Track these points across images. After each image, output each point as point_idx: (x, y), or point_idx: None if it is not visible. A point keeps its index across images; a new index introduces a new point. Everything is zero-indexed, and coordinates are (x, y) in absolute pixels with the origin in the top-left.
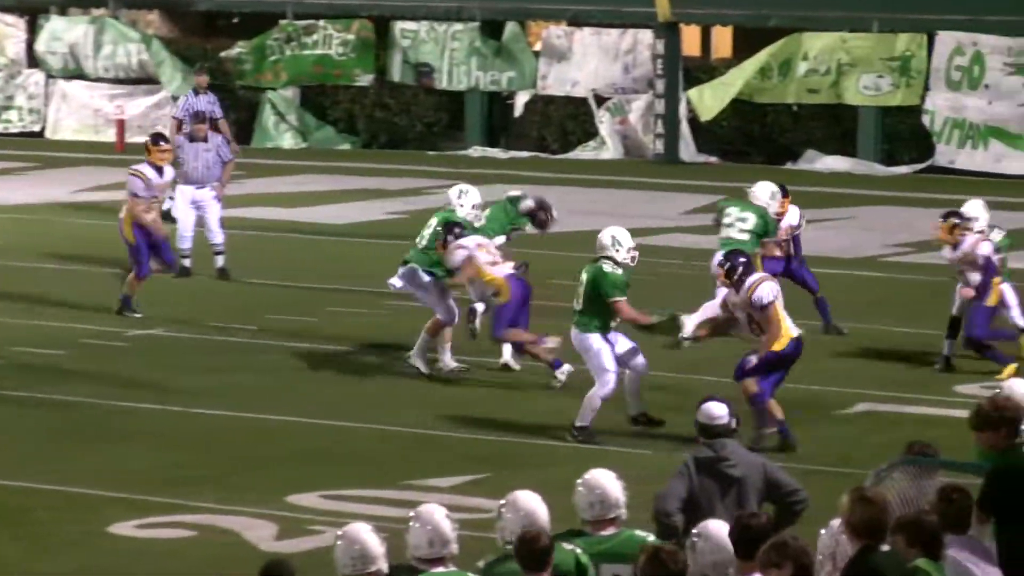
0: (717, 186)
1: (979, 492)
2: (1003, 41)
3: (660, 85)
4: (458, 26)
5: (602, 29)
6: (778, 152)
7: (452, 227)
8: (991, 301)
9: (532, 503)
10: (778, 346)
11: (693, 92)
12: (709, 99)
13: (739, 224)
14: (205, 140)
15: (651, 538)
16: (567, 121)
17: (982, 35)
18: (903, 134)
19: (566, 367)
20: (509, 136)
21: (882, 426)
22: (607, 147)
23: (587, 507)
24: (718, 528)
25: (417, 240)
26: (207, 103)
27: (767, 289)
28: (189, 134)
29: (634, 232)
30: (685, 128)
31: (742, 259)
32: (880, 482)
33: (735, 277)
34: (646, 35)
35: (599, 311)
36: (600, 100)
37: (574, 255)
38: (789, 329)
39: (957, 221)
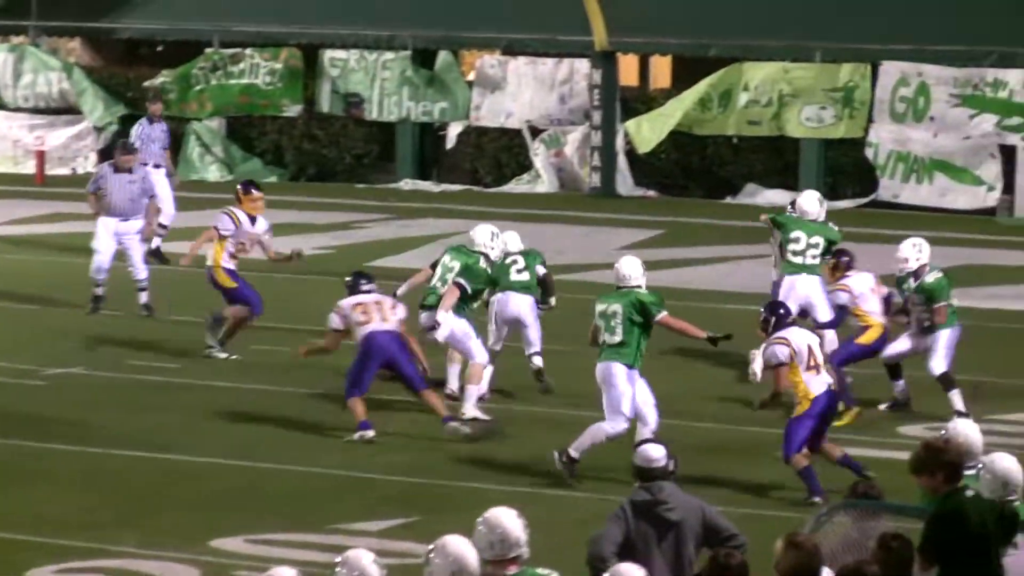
0: (655, 220)
1: (920, 538)
2: (949, 71)
3: (597, 116)
4: (389, 55)
5: (537, 59)
6: (718, 185)
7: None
8: (863, 339)
9: (461, 548)
10: (798, 410)
11: (631, 124)
12: (647, 131)
13: (812, 251)
14: (130, 171)
15: (554, 575)
16: (501, 153)
17: (927, 65)
18: (846, 167)
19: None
20: (441, 169)
21: (824, 468)
22: (542, 180)
23: (487, 547)
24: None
25: (434, 283)
26: (161, 132)
27: (771, 351)
28: (114, 164)
29: (570, 268)
30: (622, 161)
31: (781, 311)
32: (821, 527)
33: (767, 329)
34: (582, 65)
35: (637, 340)
36: (535, 132)
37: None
38: (808, 391)
39: (835, 261)
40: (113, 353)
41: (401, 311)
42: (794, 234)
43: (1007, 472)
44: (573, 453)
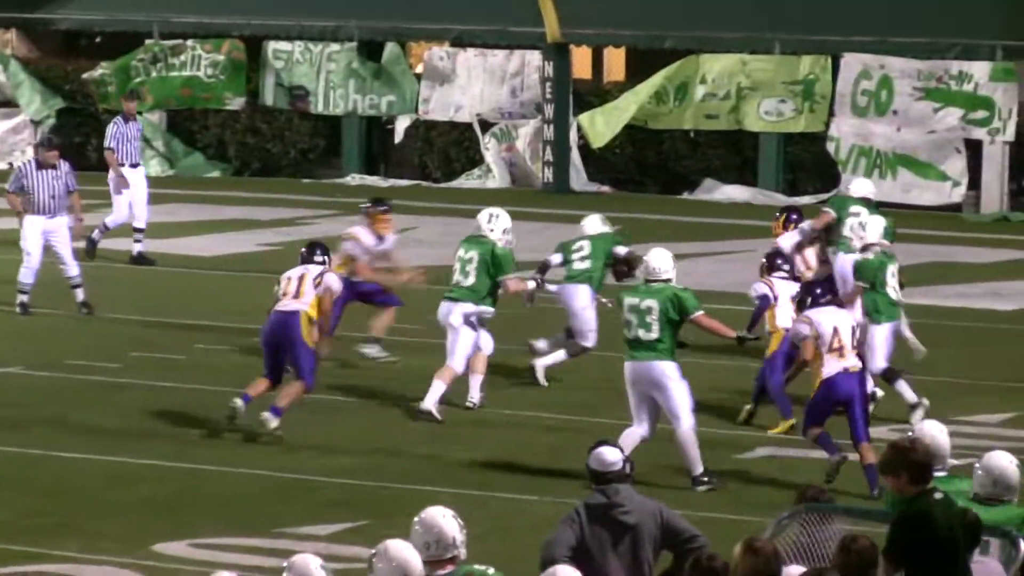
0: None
1: (885, 541)
2: (912, 64)
3: (549, 110)
4: (335, 47)
5: (488, 50)
6: (674, 181)
7: None
8: (772, 348)
9: (404, 552)
10: (813, 392)
11: (584, 117)
12: (601, 125)
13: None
14: (54, 167)
15: (491, 571)
16: (450, 148)
17: (890, 57)
18: (806, 162)
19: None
20: (389, 163)
21: (783, 471)
22: (493, 175)
23: (423, 547)
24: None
25: (459, 279)
26: (137, 130)
27: (795, 329)
28: (37, 161)
29: (520, 266)
30: (575, 156)
31: (816, 290)
32: (782, 530)
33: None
34: (534, 57)
35: (672, 337)
36: (485, 126)
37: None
38: (821, 372)
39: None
40: (51, 352)
41: (328, 283)
42: (853, 208)
43: (1002, 471)
44: (698, 472)
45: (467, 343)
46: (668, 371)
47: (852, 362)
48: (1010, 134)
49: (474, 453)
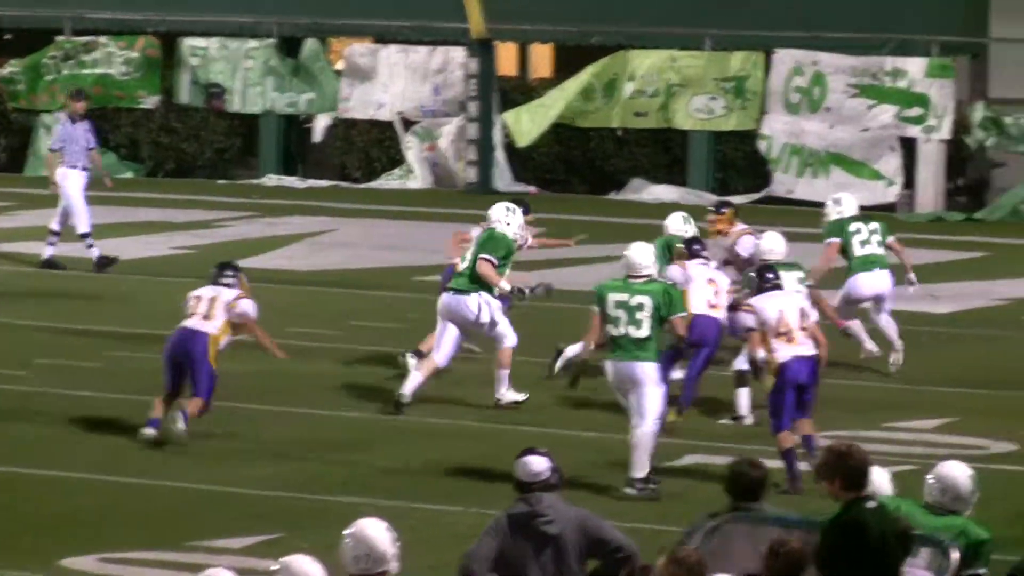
0: (535, 218)
1: (817, 546)
2: (846, 60)
3: (473, 108)
4: (252, 43)
5: (410, 47)
6: (602, 181)
7: None
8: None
9: (306, 567)
10: (773, 383)
11: (509, 115)
12: (526, 123)
13: (876, 237)
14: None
15: None
16: (371, 147)
17: (823, 53)
18: (737, 161)
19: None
20: (307, 164)
21: (711, 479)
22: (415, 176)
23: (352, 561)
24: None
25: (462, 267)
26: (83, 131)
27: (739, 319)
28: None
29: (443, 269)
30: (500, 155)
31: (767, 274)
32: (709, 539)
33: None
34: (458, 53)
35: (657, 335)
36: (407, 124)
37: (371, 293)
38: (775, 359)
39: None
40: None
41: (243, 309)
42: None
43: (953, 481)
44: (638, 476)
45: (452, 339)
46: (650, 372)
47: (803, 346)
48: (945, 132)
49: (395, 462)
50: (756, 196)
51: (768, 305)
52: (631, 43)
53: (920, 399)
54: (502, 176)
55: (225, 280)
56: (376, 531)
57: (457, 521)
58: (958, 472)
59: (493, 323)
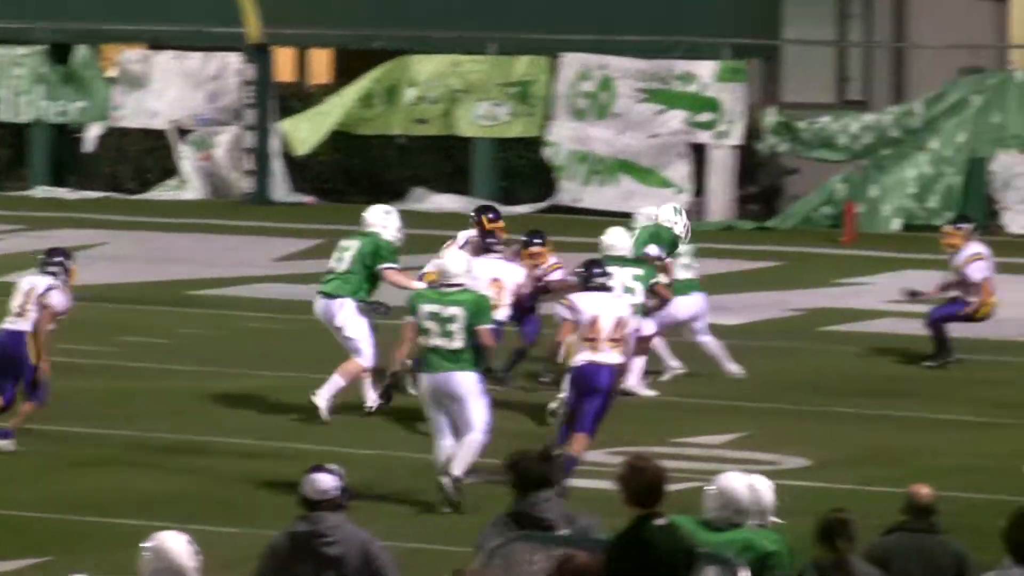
0: (313, 229)
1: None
2: (635, 64)
3: (250, 115)
4: (22, 50)
5: (184, 53)
6: (382, 190)
7: None
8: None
9: (177, 546)
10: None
11: (287, 123)
12: (305, 131)
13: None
14: None
15: None
16: (144, 157)
17: (611, 57)
18: (522, 169)
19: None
20: (78, 174)
21: (498, 496)
22: (189, 186)
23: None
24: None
25: (336, 265)
26: None
27: (556, 310)
28: None
29: (221, 282)
30: (278, 164)
31: (594, 270)
32: (491, 560)
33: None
34: (234, 59)
35: (474, 345)
36: (182, 133)
37: (142, 308)
38: (572, 360)
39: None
40: None
41: (50, 301)
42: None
43: (732, 493)
44: (456, 474)
45: (365, 335)
46: (469, 384)
47: (605, 355)
48: (737, 137)
49: (169, 483)
50: (542, 205)
51: (585, 305)
52: (413, 48)
53: (709, 413)
54: (279, 186)
55: (51, 268)
56: (177, 544)
57: (232, 543)
58: (737, 484)
59: (353, 334)
